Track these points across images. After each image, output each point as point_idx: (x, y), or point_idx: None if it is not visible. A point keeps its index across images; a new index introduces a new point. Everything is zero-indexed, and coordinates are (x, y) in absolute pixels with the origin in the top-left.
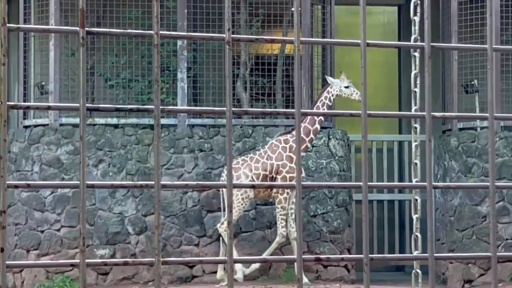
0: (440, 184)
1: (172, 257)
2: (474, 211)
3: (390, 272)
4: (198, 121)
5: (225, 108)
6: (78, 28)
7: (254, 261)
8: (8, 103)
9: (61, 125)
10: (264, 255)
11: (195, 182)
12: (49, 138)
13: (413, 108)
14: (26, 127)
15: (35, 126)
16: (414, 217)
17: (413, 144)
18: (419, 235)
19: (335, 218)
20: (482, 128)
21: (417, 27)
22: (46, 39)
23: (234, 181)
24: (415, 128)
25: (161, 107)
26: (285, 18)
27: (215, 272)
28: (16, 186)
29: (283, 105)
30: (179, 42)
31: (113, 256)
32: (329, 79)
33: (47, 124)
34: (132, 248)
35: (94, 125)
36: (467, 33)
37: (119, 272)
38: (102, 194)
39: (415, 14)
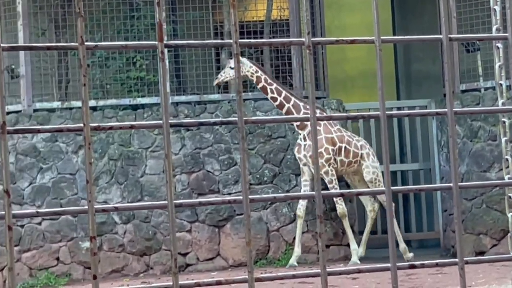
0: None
1: (163, 245)
2: (482, 178)
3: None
4: (183, 98)
5: (308, 116)
6: (156, 43)
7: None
8: (91, 124)
9: (35, 110)
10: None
11: (283, 195)
12: (24, 125)
13: (500, 101)
14: None
15: (8, 113)
16: (509, 215)
17: (503, 139)
18: None
19: None
20: (486, 89)
21: (498, 17)
22: (14, 19)
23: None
24: (503, 122)
25: (244, 118)
26: None
27: (210, 259)
28: (104, 210)
29: (273, 76)
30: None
31: (100, 247)
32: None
33: (20, 111)
34: (120, 239)
35: (71, 108)
36: None
37: (107, 264)
38: (84, 183)
39: (495, 3)
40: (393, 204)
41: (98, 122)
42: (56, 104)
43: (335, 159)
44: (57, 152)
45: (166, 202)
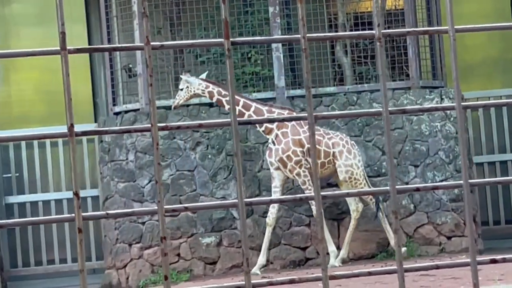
0: None
1: (282, 240)
2: None
3: None
4: (298, 92)
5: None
6: (222, 40)
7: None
8: (158, 124)
9: None
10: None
11: (356, 190)
12: (142, 123)
13: None
14: (116, 113)
15: (126, 112)
16: None
17: None
18: None
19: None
20: None
21: None
22: (129, 18)
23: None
24: None
25: (314, 114)
26: None
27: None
28: (174, 210)
29: (389, 67)
30: (270, 9)
31: (219, 243)
32: (189, 78)
33: (138, 109)
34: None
35: (188, 105)
36: None
37: (227, 260)
38: (202, 179)
39: None
40: (380, 199)
41: (214, 119)
42: (173, 101)
43: (306, 160)
44: (175, 149)
45: (237, 201)
